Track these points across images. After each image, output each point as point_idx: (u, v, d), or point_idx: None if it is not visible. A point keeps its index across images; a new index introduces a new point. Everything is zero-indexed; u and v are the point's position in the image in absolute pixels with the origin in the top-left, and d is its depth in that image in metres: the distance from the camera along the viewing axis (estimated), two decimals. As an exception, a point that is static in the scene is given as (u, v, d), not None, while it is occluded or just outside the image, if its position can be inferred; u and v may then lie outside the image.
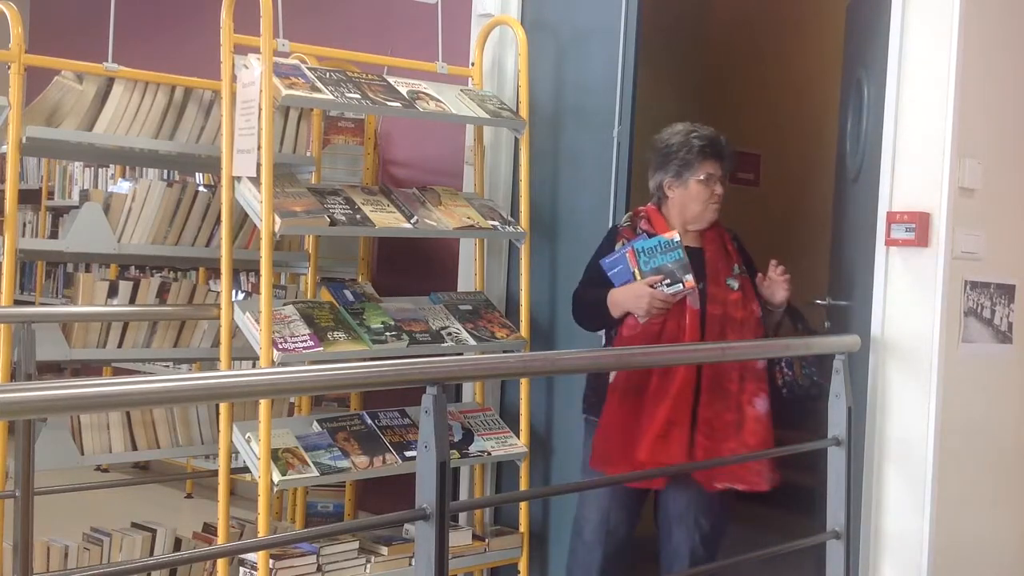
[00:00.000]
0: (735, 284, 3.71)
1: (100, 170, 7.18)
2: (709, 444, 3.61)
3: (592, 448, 3.74)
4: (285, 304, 3.93)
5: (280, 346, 3.69)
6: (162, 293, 4.29)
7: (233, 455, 3.89)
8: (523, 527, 4.32)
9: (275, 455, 3.71)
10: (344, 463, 3.82)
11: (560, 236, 4.49)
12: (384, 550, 3.95)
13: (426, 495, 2.56)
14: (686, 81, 5.52)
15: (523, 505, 4.35)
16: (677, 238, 3.63)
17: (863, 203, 3.85)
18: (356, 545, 3.94)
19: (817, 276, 4.58)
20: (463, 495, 4.54)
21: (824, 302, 4.22)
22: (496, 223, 4.23)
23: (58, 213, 7.32)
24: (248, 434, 3.78)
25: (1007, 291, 3.77)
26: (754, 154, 6.70)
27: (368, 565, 3.91)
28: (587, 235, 4.36)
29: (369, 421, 4.02)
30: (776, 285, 3.72)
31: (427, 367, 2.71)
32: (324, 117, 4.73)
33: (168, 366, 5.78)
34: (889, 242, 3.64)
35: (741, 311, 3.69)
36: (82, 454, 4.12)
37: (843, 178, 4.23)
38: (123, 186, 4.65)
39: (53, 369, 5.08)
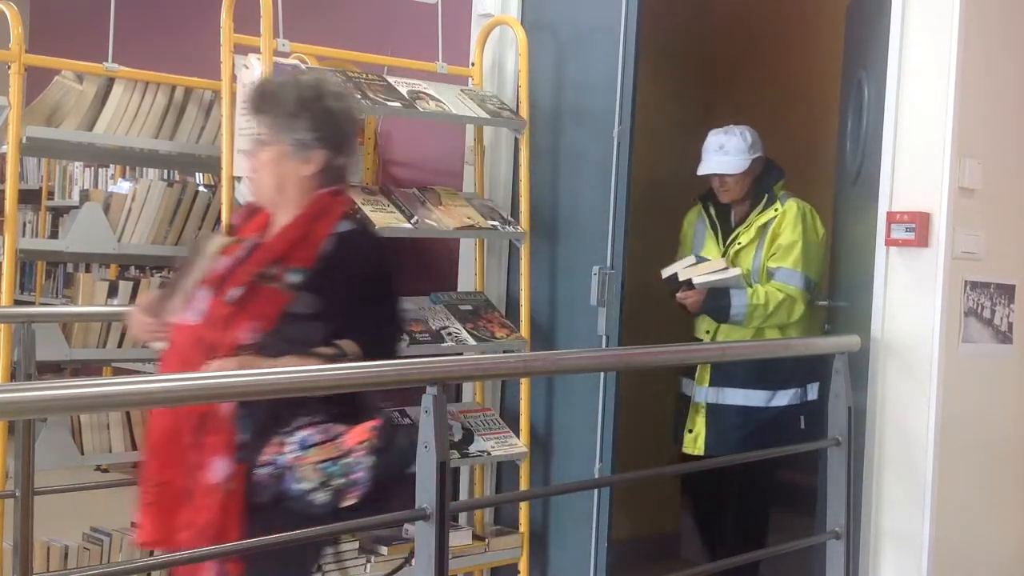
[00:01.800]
0: (234, 296, 2.74)
1: (100, 170, 7.18)
2: (163, 519, 2.72)
3: None
4: (285, 304, 3.92)
5: (280, 346, 3.68)
6: (162, 293, 4.29)
7: (233, 455, 3.89)
8: (523, 527, 4.32)
9: (275, 455, 3.70)
10: (344, 463, 3.81)
11: (560, 236, 4.49)
12: (384, 550, 3.95)
13: (426, 495, 2.56)
14: (686, 81, 5.52)
15: (523, 505, 4.35)
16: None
17: (863, 203, 3.84)
18: (356, 545, 3.94)
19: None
20: (463, 495, 4.54)
21: (824, 302, 4.22)
22: (496, 223, 4.23)
23: (58, 213, 7.32)
24: (248, 434, 3.77)
25: (1007, 291, 3.77)
26: (754, 154, 6.69)
27: (368, 565, 3.91)
28: (587, 235, 4.36)
29: (369, 421, 4.01)
30: None
31: (427, 367, 2.71)
32: (324, 117, 4.72)
33: (168, 366, 5.77)
34: (889, 242, 3.64)
35: (218, 333, 2.72)
36: (82, 454, 4.12)
37: (843, 178, 4.23)
38: (123, 186, 4.66)
39: (53, 369, 5.08)
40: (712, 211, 4.36)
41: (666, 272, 4.29)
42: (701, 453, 4.22)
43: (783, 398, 4.19)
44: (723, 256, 4.23)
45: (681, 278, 4.20)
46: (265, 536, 2.55)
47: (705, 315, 4.24)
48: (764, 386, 4.16)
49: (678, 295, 4.21)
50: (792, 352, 3.94)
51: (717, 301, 4.14)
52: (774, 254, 4.18)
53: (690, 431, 4.26)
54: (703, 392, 4.24)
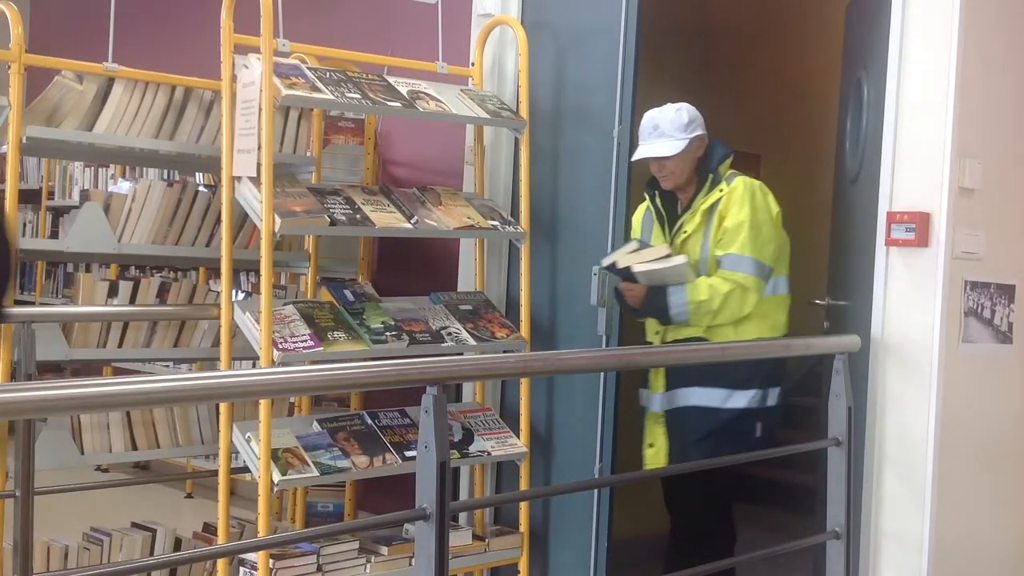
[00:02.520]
0: None
1: (100, 170, 7.18)
2: None
3: None
4: (285, 304, 3.93)
5: (280, 346, 3.69)
6: (162, 293, 4.29)
7: (233, 455, 3.89)
8: (523, 527, 4.32)
9: (275, 455, 3.71)
10: (344, 463, 3.82)
11: (560, 236, 4.49)
12: (384, 550, 3.95)
13: (426, 495, 2.56)
14: (686, 81, 5.52)
15: (523, 505, 4.35)
16: None
17: (863, 203, 3.84)
18: (356, 545, 3.94)
19: (817, 276, 4.58)
20: (463, 495, 4.54)
21: (824, 302, 4.22)
22: (496, 223, 4.24)
23: (58, 213, 7.32)
24: (248, 434, 3.78)
25: (1007, 291, 3.77)
26: (754, 155, 6.71)
27: (368, 565, 3.91)
28: (587, 235, 4.37)
29: (369, 421, 4.02)
30: None
31: (427, 367, 2.71)
32: (324, 117, 4.73)
33: (168, 366, 5.78)
34: (889, 242, 3.64)
35: None
36: (82, 454, 4.12)
37: (843, 178, 4.23)
38: (123, 186, 4.66)
39: (53, 369, 5.08)
40: (658, 201, 3.96)
41: (606, 261, 3.90)
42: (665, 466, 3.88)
43: (740, 399, 3.78)
44: (670, 247, 3.84)
45: (620, 265, 3.80)
46: None
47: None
48: (720, 384, 3.76)
49: (620, 286, 3.85)
50: (792, 352, 3.92)
51: (655, 301, 3.76)
52: (720, 239, 3.76)
53: (651, 445, 3.92)
54: (657, 400, 3.91)
